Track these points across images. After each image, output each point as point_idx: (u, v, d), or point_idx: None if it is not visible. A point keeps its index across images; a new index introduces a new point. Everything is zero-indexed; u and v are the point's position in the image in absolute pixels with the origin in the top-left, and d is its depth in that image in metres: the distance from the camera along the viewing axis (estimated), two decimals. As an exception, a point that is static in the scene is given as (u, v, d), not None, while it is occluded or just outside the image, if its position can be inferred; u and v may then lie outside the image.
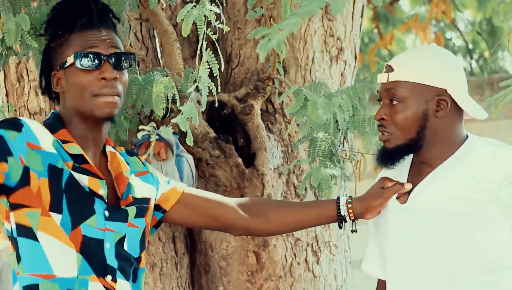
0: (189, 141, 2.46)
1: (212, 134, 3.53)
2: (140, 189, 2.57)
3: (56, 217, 2.35)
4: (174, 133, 3.37)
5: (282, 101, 3.64)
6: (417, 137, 2.50)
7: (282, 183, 3.64)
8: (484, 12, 8.19)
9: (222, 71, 3.69)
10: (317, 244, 3.71)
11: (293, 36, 3.66)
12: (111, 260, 2.41)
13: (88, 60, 2.42)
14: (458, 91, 2.50)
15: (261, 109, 3.63)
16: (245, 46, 3.73)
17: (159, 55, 3.75)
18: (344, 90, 3.15)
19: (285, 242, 3.64)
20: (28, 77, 3.59)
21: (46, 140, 2.39)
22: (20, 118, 2.41)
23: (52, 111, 2.52)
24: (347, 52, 3.85)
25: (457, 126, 2.53)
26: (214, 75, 2.59)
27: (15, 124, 2.37)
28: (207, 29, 2.47)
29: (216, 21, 2.50)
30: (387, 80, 2.52)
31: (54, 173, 2.37)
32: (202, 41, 2.47)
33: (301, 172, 3.66)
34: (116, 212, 2.45)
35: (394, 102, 2.51)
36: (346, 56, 3.84)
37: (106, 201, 2.44)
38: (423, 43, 7.97)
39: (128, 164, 2.58)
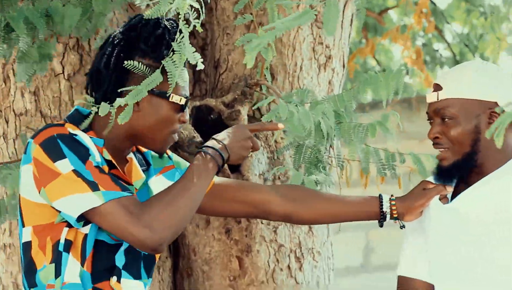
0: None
1: (199, 138, 3.53)
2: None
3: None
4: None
5: (269, 107, 3.65)
6: (471, 151, 2.51)
7: (267, 189, 3.64)
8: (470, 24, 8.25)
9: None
10: (300, 251, 3.72)
11: (281, 43, 3.67)
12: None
13: (185, 103, 2.38)
14: (508, 102, 2.52)
15: (248, 115, 3.63)
16: (234, 52, 3.73)
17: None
18: (331, 98, 3.16)
19: (268, 247, 3.65)
20: (15, 77, 3.59)
21: (95, 152, 2.33)
22: (75, 133, 2.32)
23: (75, 107, 2.42)
24: (335, 60, 3.86)
25: (510, 137, 2.53)
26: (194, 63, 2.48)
27: (85, 149, 2.30)
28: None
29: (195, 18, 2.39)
30: (437, 99, 2.53)
31: None
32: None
33: (286, 179, 3.66)
34: None
35: (446, 120, 2.52)
36: (334, 64, 3.85)
37: None
38: (404, 54, 8.02)
39: (149, 164, 2.51)
